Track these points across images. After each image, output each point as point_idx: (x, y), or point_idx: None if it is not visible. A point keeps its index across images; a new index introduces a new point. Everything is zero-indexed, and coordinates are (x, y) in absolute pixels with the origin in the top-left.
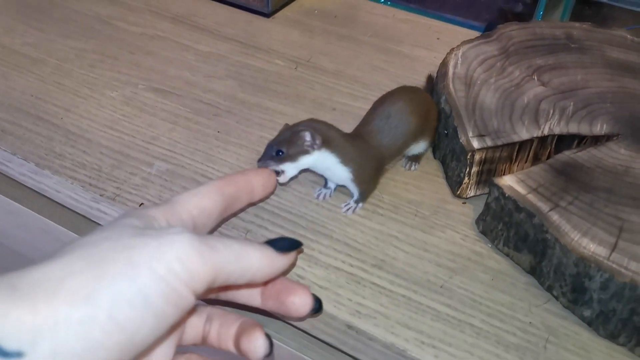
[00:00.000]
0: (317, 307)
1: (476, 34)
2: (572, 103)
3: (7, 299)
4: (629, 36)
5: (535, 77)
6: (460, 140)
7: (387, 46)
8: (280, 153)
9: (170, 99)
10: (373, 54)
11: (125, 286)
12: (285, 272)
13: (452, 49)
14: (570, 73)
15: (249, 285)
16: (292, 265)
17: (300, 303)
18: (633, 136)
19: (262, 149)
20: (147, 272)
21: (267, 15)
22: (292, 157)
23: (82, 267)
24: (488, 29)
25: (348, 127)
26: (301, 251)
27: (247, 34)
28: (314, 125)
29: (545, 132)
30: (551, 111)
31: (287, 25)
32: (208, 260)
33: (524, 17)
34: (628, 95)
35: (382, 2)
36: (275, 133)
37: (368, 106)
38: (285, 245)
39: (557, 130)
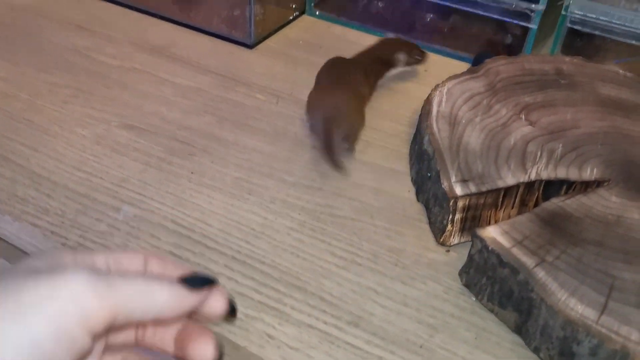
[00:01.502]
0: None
1: (465, 65)
2: (560, 145)
3: None
4: (620, 71)
5: (523, 116)
6: (443, 186)
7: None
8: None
9: (144, 137)
10: None
11: (11, 330)
12: (213, 314)
13: (437, 85)
14: (559, 111)
15: (159, 322)
16: (222, 307)
17: (200, 352)
18: (625, 182)
19: (237, 192)
20: (36, 315)
21: (249, 46)
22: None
23: None
24: (476, 61)
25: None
26: (217, 288)
27: (228, 66)
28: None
29: (532, 177)
30: (539, 154)
31: (270, 56)
32: (106, 298)
33: (513, 48)
34: (620, 135)
35: (372, 32)
36: (252, 173)
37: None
38: (197, 281)
39: (544, 175)
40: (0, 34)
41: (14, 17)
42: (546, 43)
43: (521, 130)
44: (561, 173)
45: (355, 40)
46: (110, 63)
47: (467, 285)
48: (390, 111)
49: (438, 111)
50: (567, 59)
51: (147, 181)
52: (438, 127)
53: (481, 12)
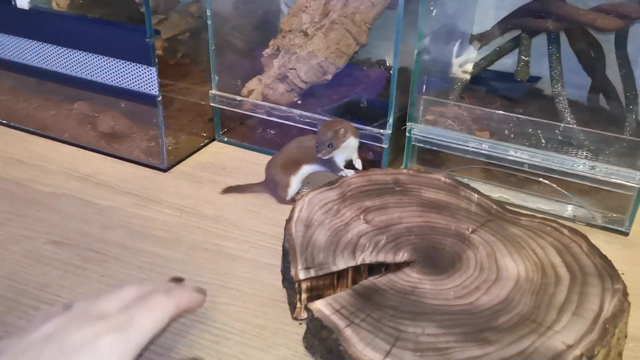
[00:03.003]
0: None
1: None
2: (385, 237)
3: None
4: (442, 178)
5: (362, 217)
6: (291, 273)
7: (264, 193)
8: (330, 145)
9: (65, 249)
10: (250, 200)
11: None
12: None
13: (302, 195)
14: (389, 212)
15: None
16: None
17: None
18: (425, 262)
19: None
20: None
21: (164, 170)
22: (338, 146)
23: None
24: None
25: (222, 266)
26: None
27: (144, 188)
28: (342, 123)
29: (358, 262)
30: (367, 244)
31: (180, 178)
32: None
33: (375, 162)
34: (430, 228)
35: (267, 153)
36: (153, 273)
37: (237, 246)
38: None
39: (367, 260)
40: None
41: None
42: (401, 157)
43: (358, 227)
44: (380, 258)
45: (254, 161)
46: (44, 190)
47: (307, 347)
48: (273, 217)
49: (298, 216)
50: (405, 170)
51: (64, 285)
52: (295, 229)
53: None
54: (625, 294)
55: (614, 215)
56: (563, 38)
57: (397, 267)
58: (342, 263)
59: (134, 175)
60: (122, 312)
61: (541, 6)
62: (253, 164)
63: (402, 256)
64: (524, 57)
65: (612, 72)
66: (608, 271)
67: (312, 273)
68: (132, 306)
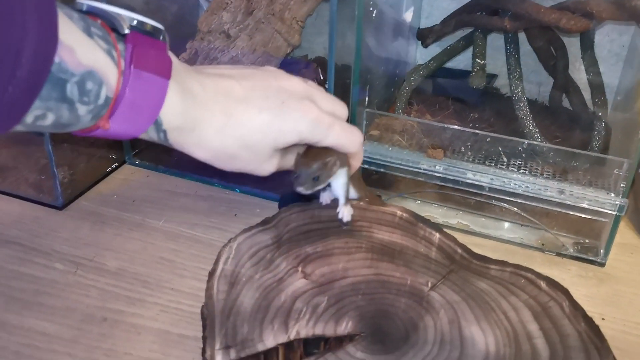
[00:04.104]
0: None
1: (275, 205)
2: (326, 298)
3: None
4: (398, 212)
5: (300, 269)
6: (206, 355)
7: (180, 231)
8: (316, 179)
9: None
10: (163, 243)
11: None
12: None
13: (230, 240)
14: (333, 261)
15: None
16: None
17: None
18: (373, 335)
19: None
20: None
21: (59, 207)
22: (324, 181)
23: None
24: (281, 203)
25: (121, 343)
26: None
27: (31, 234)
28: (333, 154)
29: (292, 337)
30: (304, 309)
31: (79, 217)
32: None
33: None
34: (380, 283)
35: (187, 177)
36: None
37: (143, 311)
38: None
39: (303, 334)
40: None
41: None
42: None
43: (294, 285)
44: (319, 330)
45: (171, 189)
46: None
47: None
48: (191, 267)
49: (222, 270)
50: (354, 202)
51: None
52: (217, 289)
53: None
54: None
55: (587, 241)
56: (522, 34)
57: (339, 341)
58: (270, 339)
59: (20, 216)
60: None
61: (496, 1)
62: (170, 194)
63: (345, 327)
64: (479, 61)
65: (577, 73)
66: (595, 343)
67: (233, 355)
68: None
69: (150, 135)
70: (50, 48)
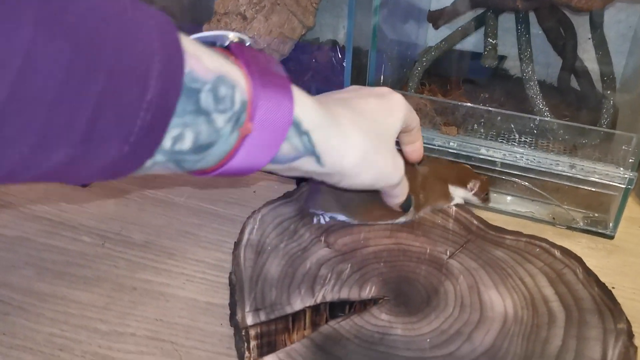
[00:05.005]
0: None
1: (291, 184)
2: (349, 265)
3: (336, 138)
4: None
5: (323, 239)
6: (237, 317)
7: (202, 207)
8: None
9: None
10: (186, 218)
11: (370, 176)
12: None
13: (254, 212)
14: (354, 232)
15: None
16: None
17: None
18: (396, 299)
19: (48, 350)
20: (381, 179)
21: (84, 184)
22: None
23: (369, 140)
24: (299, 180)
25: (152, 310)
26: None
27: (59, 210)
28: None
29: (318, 301)
30: (329, 276)
31: (103, 194)
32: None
33: None
34: (401, 252)
35: None
36: (66, 326)
37: (170, 281)
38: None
39: (329, 298)
40: None
41: None
42: None
43: (318, 253)
44: (344, 294)
45: None
46: None
47: None
48: (214, 240)
49: (248, 240)
50: None
51: None
52: (245, 257)
53: None
54: (630, 335)
55: (596, 215)
56: (532, 16)
57: (364, 304)
58: (298, 302)
59: (45, 193)
60: None
61: None
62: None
63: (369, 291)
64: (491, 40)
65: (587, 54)
66: (609, 305)
67: (263, 317)
68: None
69: (293, 142)
70: (178, 59)
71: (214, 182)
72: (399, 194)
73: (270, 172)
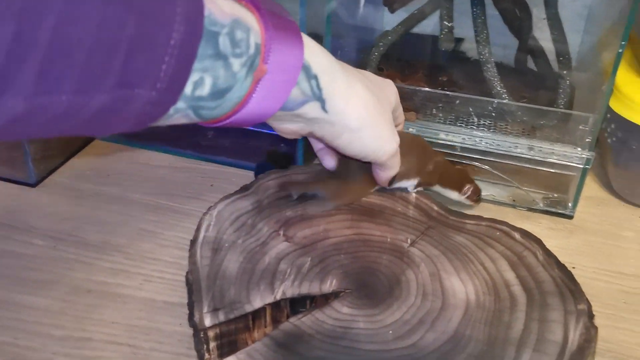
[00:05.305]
0: None
1: (251, 174)
2: (309, 259)
3: (343, 89)
4: None
5: (282, 232)
6: (194, 319)
7: (159, 203)
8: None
9: None
10: (143, 215)
11: (369, 140)
12: None
13: (210, 208)
14: (314, 224)
15: None
16: None
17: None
18: (358, 291)
19: None
20: (377, 145)
21: (32, 185)
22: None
23: (371, 107)
24: (257, 171)
25: (109, 312)
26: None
27: (8, 212)
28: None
29: (278, 297)
30: (288, 271)
31: (55, 193)
32: (383, 168)
33: (290, 157)
34: (362, 242)
35: (162, 150)
36: (19, 333)
37: (128, 282)
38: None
39: (289, 294)
40: None
41: None
42: None
43: (277, 247)
44: (304, 289)
45: (146, 161)
46: None
47: None
48: (172, 237)
49: (204, 237)
50: None
51: None
52: (201, 255)
53: (251, 129)
54: (590, 315)
55: (556, 195)
56: None
57: (325, 298)
58: (258, 300)
59: None
60: None
61: None
62: (144, 166)
63: (330, 285)
64: (447, 23)
65: (543, 33)
66: (569, 286)
67: (222, 317)
68: None
69: (302, 86)
70: (198, 2)
71: (170, 177)
72: (394, 165)
73: (272, 128)
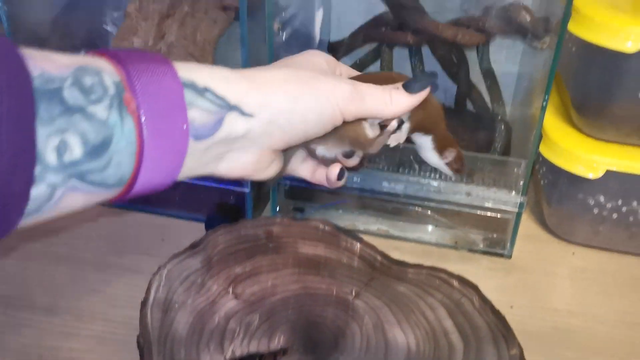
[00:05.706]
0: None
1: (201, 226)
2: (258, 316)
3: (248, 86)
4: (320, 226)
5: (231, 290)
6: None
7: (109, 261)
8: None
9: None
10: (92, 275)
11: (313, 101)
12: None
13: (160, 267)
14: (262, 280)
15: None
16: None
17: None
18: (304, 346)
19: None
20: (325, 99)
21: None
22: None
23: (294, 81)
24: (208, 225)
25: None
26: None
27: None
28: None
29: (228, 357)
30: (237, 329)
31: (2, 254)
32: (356, 106)
33: (240, 209)
34: (309, 297)
35: (107, 205)
36: None
37: (80, 345)
38: (416, 88)
39: (238, 353)
40: None
41: None
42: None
43: (226, 306)
44: (253, 347)
45: (94, 218)
46: None
47: None
48: (124, 296)
49: (154, 298)
50: (278, 219)
51: None
52: (151, 317)
53: (200, 183)
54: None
55: (495, 236)
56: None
57: (273, 356)
58: None
59: None
60: None
61: (398, 18)
62: (93, 223)
63: (278, 341)
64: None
65: (479, 76)
66: (502, 332)
67: None
68: None
69: (200, 104)
70: (20, 67)
71: (119, 232)
72: (377, 100)
73: (214, 177)
